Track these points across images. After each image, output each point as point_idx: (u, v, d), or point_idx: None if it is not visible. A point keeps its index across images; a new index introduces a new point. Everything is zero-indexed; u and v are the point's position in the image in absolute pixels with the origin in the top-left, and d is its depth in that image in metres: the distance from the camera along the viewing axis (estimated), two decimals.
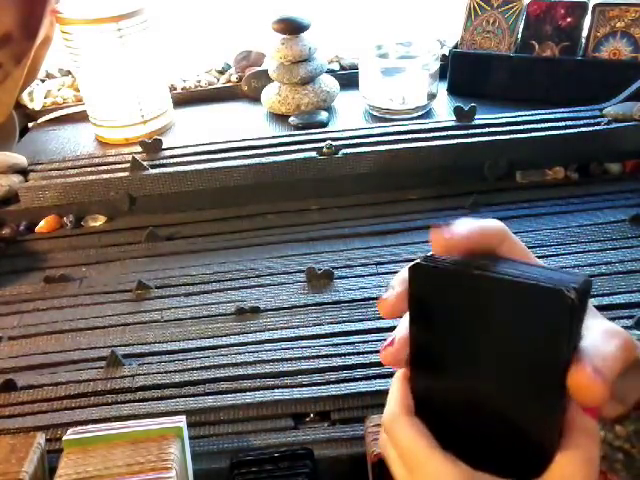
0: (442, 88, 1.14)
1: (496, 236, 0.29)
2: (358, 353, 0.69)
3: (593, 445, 0.27)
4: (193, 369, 0.69)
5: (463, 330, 0.28)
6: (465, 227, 0.28)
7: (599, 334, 0.28)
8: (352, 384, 0.66)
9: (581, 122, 0.96)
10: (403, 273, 0.31)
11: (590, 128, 0.94)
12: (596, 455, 0.27)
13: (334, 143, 0.94)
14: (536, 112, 0.99)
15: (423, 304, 0.29)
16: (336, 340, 0.71)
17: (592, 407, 0.27)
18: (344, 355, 0.69)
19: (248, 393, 0.66)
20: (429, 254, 0.29)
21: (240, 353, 0.71)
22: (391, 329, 0.75)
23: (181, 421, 0.55)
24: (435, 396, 0.30)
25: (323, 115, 1.06)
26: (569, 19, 1.04)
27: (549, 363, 0.26)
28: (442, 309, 0.28)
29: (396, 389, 0.32)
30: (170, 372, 0.69)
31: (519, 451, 0.28)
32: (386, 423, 0.31)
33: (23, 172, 0.97)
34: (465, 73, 1.12)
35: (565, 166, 0.97)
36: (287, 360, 0.69)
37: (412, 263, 0.28)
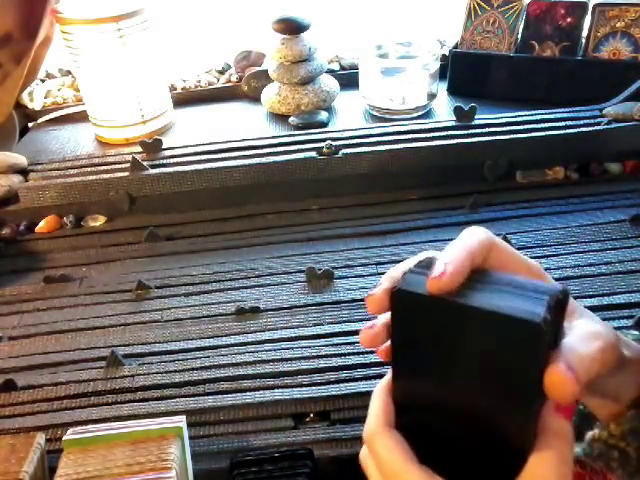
0: (442, 88, 1.14)
1: (482, 251, 0.30)
2: (358, 353, 0.69)
3: (566, 446, 0.28)
4: (193, 369, 0.69)
5: (441, 347, 0.29)
6: (454, 259, 0.28)
7: (580, 335, 0.28)
8: (352, 384, 0.66)
9: (581, 122, 0.96)
10: (392, 271, 0.31)
11: (590, 128, 0.94)
12: (569, 456, 0.28)
13: (334, 143, 0.94)
14: (536, 112, 0.99)
15: (404, 324, 0.30)
16: (336, 340, 0.71)
17: (565, 407, 0.28)
18: (344, 355, 0.69)
19: (248, 393, 0.66)
20: (420, 262, 0.30)
21: (240, 353, 0.71)
22: None
23: (181, 421, 0.55)
24: (415, 407, 0.31)
25: (323, 115, 1.06)
26: (569, 19, 1.04)
27: (524, 375, 0.27)
28: (422, 328, 0.29)
29: (377, 402, 0.32)
30: (170, 372, 0.69)
31: (496, 459, 0.29)
32: (366, 436, 0.31)
33: (23, 172, 0.97)
34: (465, 73, 1.12)
35: (565, 166, 0.97)
36: (287, 360, 0.69)
37: (394, 288, 0.29)
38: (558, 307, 0.27)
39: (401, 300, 0.29)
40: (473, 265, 0.29)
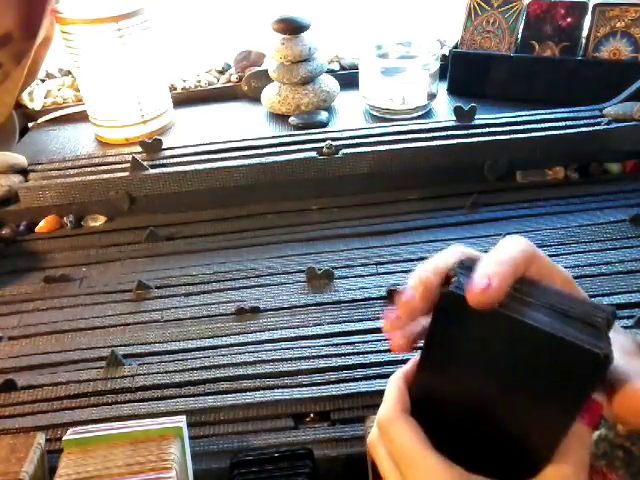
0: (442, 88, 1.14)
1: (526, 263, 0.29)
2: (358, 353, 0.69)
3: (585, 451, 0.28)
4: (193, 369, 0.69)
5: (481, 352, 0.28)
6: (499, 272, 0.28)
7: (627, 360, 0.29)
8: (352, 384, 0.66)
9: (581, 122, 0.96)
10: (422, 274, 0.30)
11: (590, 128, 0.94)
12: (587, 460, 0.28)
13: (334, 143, 0.94)
14: (536, 112, 0.99)
15: (447, 324, 0.29)
16: (336, 340, 0.71)
17: (591, 415, 0.28)
18: (344, 355, 0.69)
19: (248, 393, 0.66)
20: (462, 262, 0.30)
21: (240, 353, 0.71)
22: None
23: (181, 421, 0.55)
24: (435, 398, 0.31)
25: (323, 115, 1.06)
26: (569, 19, 1.04)
27: (571, 399, 0.27)
28: (465, 331, 0.29)
29: (393, 389, 0.32)
30: (170, 372, 0.69)
31: (514, 454, 0.29)
32: (382, 421, 0.31)
33: (23, 172, 0.97)
34: (465, 73, 1.12)
35: (565, 166, 0.97)
36: (287, 360, 0.69)
37: (444, 289, 0.28)
38: (609, 331, 0.27)
39: (449, 303, 0.29)
40: (516, 277, 0.28)
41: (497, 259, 0.28)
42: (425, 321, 0.31)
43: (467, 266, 0.29)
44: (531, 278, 0.29)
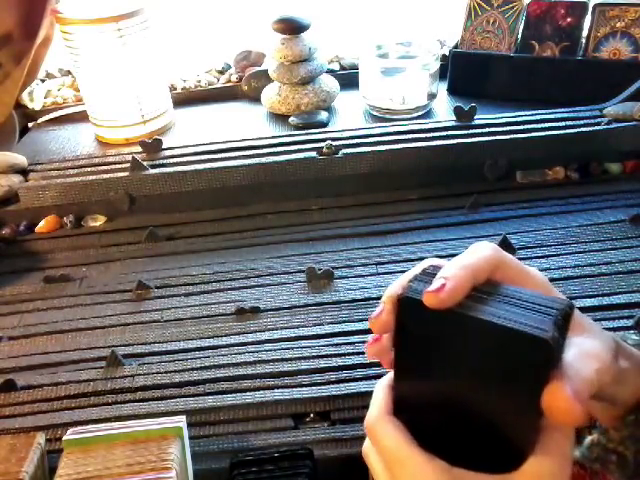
0: (442, 88, 1.14)
1: (488, 267, 0.30)
2: (358, 353, 0.69)
3: (568, 443, 0.28)
4: (193, 369, 0.69)
5: (444, 353, 0.29)
6: (454, 275, 0.28)
7: (580, 355, 0.29)
8: (352, 384, 0.66)
9: (581, 122, 0.96)
10: (392, 288, 0.32)
11: (590, 128, 0.94)
12: (570, 452, 0.28)
13: (334, 143, 0.94)
14: (536, 112, 0.99)
15: (408, 330, 0.30)
16: (336, 340, 0.71)
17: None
18: (344, 355, 0.69)
19: (248, 393, 0.66)
20: (424, 270, 0.30)
21: (240, 353, 0.71)
22: None
23: (181, 421, 0.55)
24: (414, 400, 0.32)
25: (323, 115, 1.06)
26: (569, 19, 1.04)
27: (529, 388, 0.27)
28: (426, 335, 0.30)
29: (379, 394, 0.33)
30: (170, 372, 0.69)
31: (494, 448, 0.29)
32: (369, 424, 0.32)
33: (23, 172, 0.97)
34: (465, 73, 1.12)
35: (565, 166, 0.97)
36: (287, 360, 0.69)
37: (401, 295, 0.29)
38: (565, 322, 0.27)
39: (407, 307, 0.29)
40: (475, 282, 0.29)
41: (458, 263, 0.29)
42: None
43: (428, 272, 0.30)
44: (494, 280, 0.30)
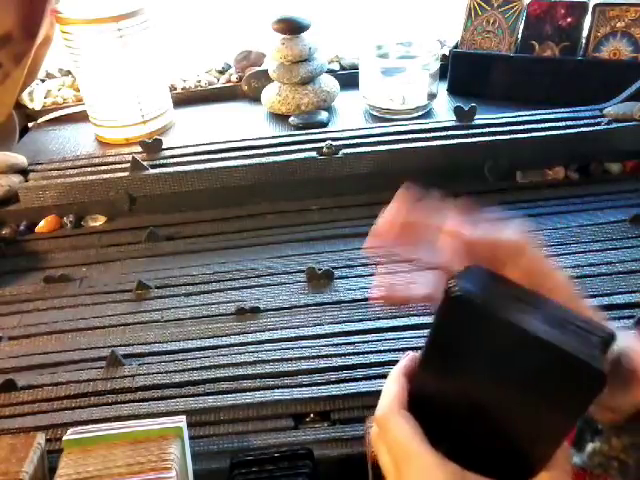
0: (442, 88, 1.14)
1: (511, 251, 0.30)
2: (358, 353, 0.69)
3: (569, 463, 0.30)
4: (193, 369, 0.69)
5: (486, 353, 0.29)
6: (483, 231, 0.29)
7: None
8: (352, 384, 0.66)
9: (581, 122, 0.96)
10: (393, 205, 0.33)
11: (590, 128, 0.94)
12: (571, 472, 0.30)
13: (334, 143, 0.94)
14: (536, 112, 0.99)
15: (452, 326, 0.29)
16: (336, 340, 0.71)
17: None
18: (344, 355, 0.69)
19: (248, 393, 0.66)
20: (463, 270, 0.30)
21: (240, 353, 0.71)
22: (391, 329, 0.74)
23: (181, 421, 0.55)
24: (435, 396, 0.31)
25: (323, 115, 1.06)
26: (569, 19, 1.04)
27: (570, 410, 0.27)
28: (470, 334, 0.29)
29: (392, 385, 0.32)
30: (170, 372, 0.69)
31: (510, 457, 0.29)
32: (380, 416, 0.31)
33: (23, 172, 0.97)
34: (465, 73, 1.12)
35: (565, 166, 0.96)
36: (287, 360, 0.69)
37: (453, 293, 0.28)
38: (605, 350, 0.28)
39: (457, 306, 0.29)
40: (500, 255, 0.30)
41: (488, 228, 0.30)
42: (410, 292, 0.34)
43: (472, 270, 0.30)
44: (538, 293, 0.30)
